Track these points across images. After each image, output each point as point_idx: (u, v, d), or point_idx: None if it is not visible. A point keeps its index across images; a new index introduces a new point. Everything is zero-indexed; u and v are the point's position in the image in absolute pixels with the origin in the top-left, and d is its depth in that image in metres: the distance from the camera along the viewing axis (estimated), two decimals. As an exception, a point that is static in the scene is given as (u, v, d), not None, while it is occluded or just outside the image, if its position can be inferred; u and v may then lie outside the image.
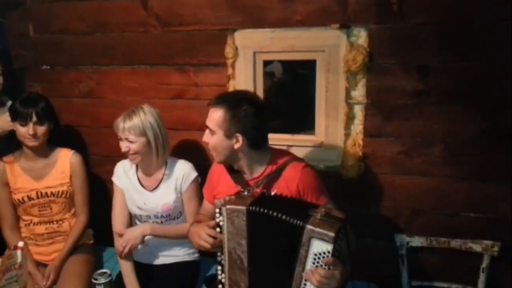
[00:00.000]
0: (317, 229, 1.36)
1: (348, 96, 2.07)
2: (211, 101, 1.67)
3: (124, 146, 1.95)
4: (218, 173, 1.84)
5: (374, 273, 2.14)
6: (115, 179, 2.11)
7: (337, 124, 2.12)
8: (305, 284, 1.43)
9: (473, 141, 1.95)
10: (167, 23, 2.29)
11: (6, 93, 2.33)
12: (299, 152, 2.11)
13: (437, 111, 1.97)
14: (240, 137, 1.62)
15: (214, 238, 1.56)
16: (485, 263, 1.95)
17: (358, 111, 2.08)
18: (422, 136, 2.01)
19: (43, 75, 2.61)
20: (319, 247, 1.37)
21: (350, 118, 2.09)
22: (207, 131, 1.68)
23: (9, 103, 2.29)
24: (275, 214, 1.43)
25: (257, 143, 1.67)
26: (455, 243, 2.00)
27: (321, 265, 1.38)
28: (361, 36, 1.99)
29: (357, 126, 2.10)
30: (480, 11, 1.84)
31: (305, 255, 1.40)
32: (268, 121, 1.71)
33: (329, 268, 1.37)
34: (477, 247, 1.97)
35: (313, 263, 1.39)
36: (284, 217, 1.41)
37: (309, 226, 1.37)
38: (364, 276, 2.09)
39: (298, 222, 1.39)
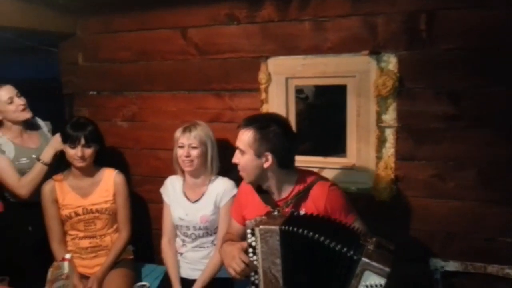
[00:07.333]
0: (373, 263, 1.38)
1: (379, 119, 2.11)
2: (241, 123, 1.75)
3: (185, 152, 2.08)
4: (246, 193, 1.89)
5: (407, 298, 2.12)
6: (163, 191, 2.29)
7: (369, 147, 2.15)
8: None
9: (505, 165, 1.92)
10: (204, 51, 2.43)
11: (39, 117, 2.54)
12: (331, 174, 2.16)
13: (469, 135, 1.97)
14: (269, 156, 1.68)
15: (246, 264, 1.60)
16: (522, 289, 1.91)
17: (390, 134, 2.11)
18: (455, 160, 2.02)
19: (90, 101, 2.80)
20: (372, 280, 1.38)
21: (381, 141, 2.12)
22: (237, 152, 1.75)
23: (42, 124, 2.51)
24: (310, 234, 1.46)
25: (285, 162, 1.73)
26: (492, 268, 1.97)
27: None
28: (391, 62, 2.04)
29: (389, 149, 2.12)
30: (510, 36, 1.84)
31: (356, 286, 1.41)
32: (295, 142, 1.78)
33: None
34: (514, 273, 1.92)
35: None
36: (329, 242, 1.44)
37: (364, 259, 1.39)
38: (397, 301, 2.08)
39: (351, 253, 1.41)
